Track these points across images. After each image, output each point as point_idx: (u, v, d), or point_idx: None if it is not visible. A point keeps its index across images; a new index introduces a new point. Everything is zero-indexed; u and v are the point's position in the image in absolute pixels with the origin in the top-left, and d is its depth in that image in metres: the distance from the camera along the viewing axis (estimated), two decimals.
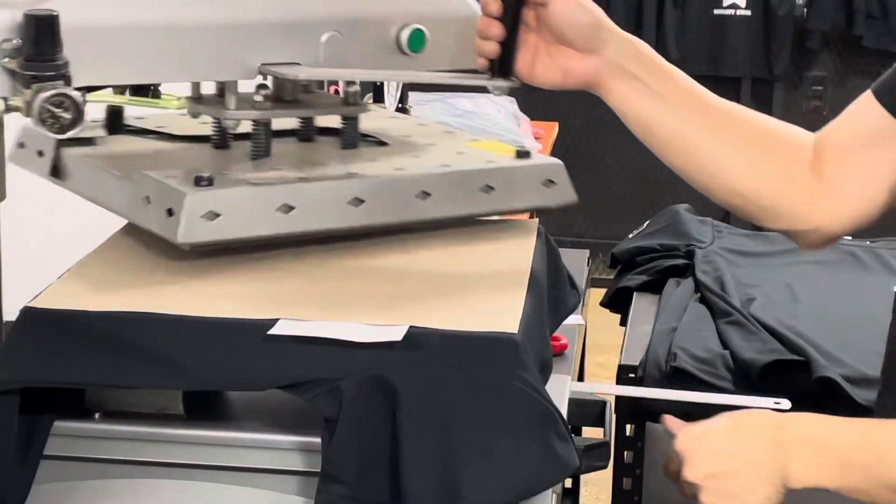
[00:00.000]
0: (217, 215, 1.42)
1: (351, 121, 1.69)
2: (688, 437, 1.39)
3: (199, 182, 1.43)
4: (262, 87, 1.57)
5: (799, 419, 1.38)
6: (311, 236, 1.51)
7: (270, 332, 1.32)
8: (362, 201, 1.51)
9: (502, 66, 1.49)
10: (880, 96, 1.51)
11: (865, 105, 1.53)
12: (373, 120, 1.83)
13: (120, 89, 1.58)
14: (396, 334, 1.31)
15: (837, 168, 1.53)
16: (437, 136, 1.80)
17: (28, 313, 1.35)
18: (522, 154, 1.67)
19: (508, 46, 1.48)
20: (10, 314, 1.41)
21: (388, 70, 1.65)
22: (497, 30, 1.47)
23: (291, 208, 1.46)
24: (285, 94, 1.63)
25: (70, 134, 1.34)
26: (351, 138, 1.69)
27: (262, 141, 1.60)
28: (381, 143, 1.72)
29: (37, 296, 1.39)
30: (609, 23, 1.49)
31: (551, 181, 1.65)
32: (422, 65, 1.60)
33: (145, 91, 1.61)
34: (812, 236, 1.57)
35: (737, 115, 1.55)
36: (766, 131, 1.55)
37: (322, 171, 1.56)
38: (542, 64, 1.49)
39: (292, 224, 1.47)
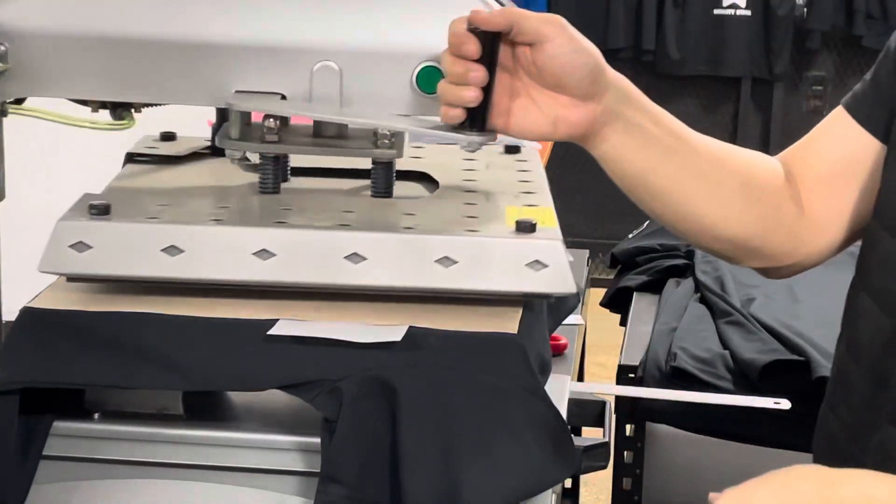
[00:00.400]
0: (88, 247, 1.35)
1: (381, 165, 1.52)
2: (731, 499, 1.23)
3: (90, 210, 1.37)
4: (270, 117, 1.46)
5: (854, 476, 1.24)
6: (208, 286, 1.37)
7: (270, 332, 1.32)
8: (272, 254, 1.35)
9: (477, 116, 1.31)
10: (854, 112, 1.46)
11: (840, 123, 1.47)
12: (507, 170, 1.68)
13: (96, 107, 1.48)
14: (396, 334, 1.31)
15: (822, 201, 1.47)
16: (500, 196, 1.55)
17: (28, 313, 1.35)
18: (523, 226, 1.38)
19: (485, 94, 1.30)
20: (10, 314, 1.41)
21: (356, 117, 1.42)
22: (480, 74, 1.28)
23: (180, 251, 1.35)
24: (324, 129, 1.50)
25: None
26: (381, 186, 1.53)
27: (268, 175, 1.50)
28: (431, 188, 1.57)
29: (37, 296, 1.39)
30: (605, 64, 1.34)
31: (540, 263, 1.36)
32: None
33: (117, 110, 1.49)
34: (787, 270, 1.52)
35: (720, 156, 1.45)
36: (750, 170, 1.47)
37: (262, 216, 1.43)
38: (523, 112, 1.34)
39: (179, 269, 1.35)
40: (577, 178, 5.04)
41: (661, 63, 5.18)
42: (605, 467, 1.47)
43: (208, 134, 1.72)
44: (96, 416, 1.35)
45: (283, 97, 1.41)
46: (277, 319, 1.33)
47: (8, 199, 1.53)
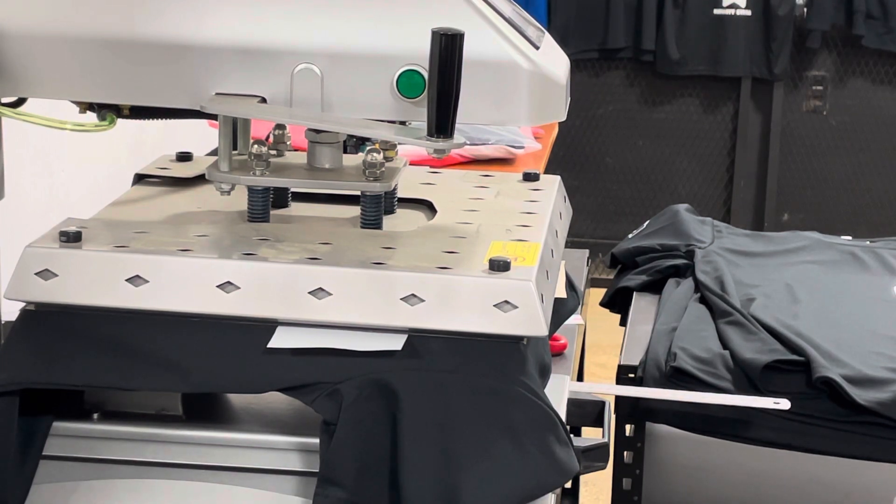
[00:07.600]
0: (54, 275, 1.34)
1: (370, 197, 1.49)
2: None
3: (61, 237, 1.36)
4: (258, 142, 1.45)
5: None
6: (176, 316, 1.34)
7: (270, 344, 1.31)
8: (236, 287, 1.33)
9: (443, 123, 1.34)
10: None
11: None
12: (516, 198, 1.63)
13: (83, 108, 1.49)
14: (396, 343, 1.31)
15: None
16: (492, 228, 1.51)
17: (28, 314, 1.35)
18: (496, 265, 1.34)
19: (452, 101, 1.33)
20: (10, 314, 1.41)
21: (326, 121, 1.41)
22: None
23: (144, 281, 1.34)
24: (316, 159, 1.49)
25: None
26: (370, 218, 1.49)
27: (256, 205, 1.48)
28: (431, 217, 1.55)
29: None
30: None
31: (510, 304, 1.32)
32: (423, 113, 1.37)
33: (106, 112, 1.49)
34: None
35: None
36: None
37: (233, 247, 1.40)
38: None
39: (143, 300, 1.33)
40: (577, 178, 5.04)
41: (661, 63, 5.18)
42: (604, 467, 1.47)
43: None
44: (96, 416, 1.35)
45: (264, 100, 1.41)
46: (277, 322, 1.33)
47: (8, 198, 1.53)
